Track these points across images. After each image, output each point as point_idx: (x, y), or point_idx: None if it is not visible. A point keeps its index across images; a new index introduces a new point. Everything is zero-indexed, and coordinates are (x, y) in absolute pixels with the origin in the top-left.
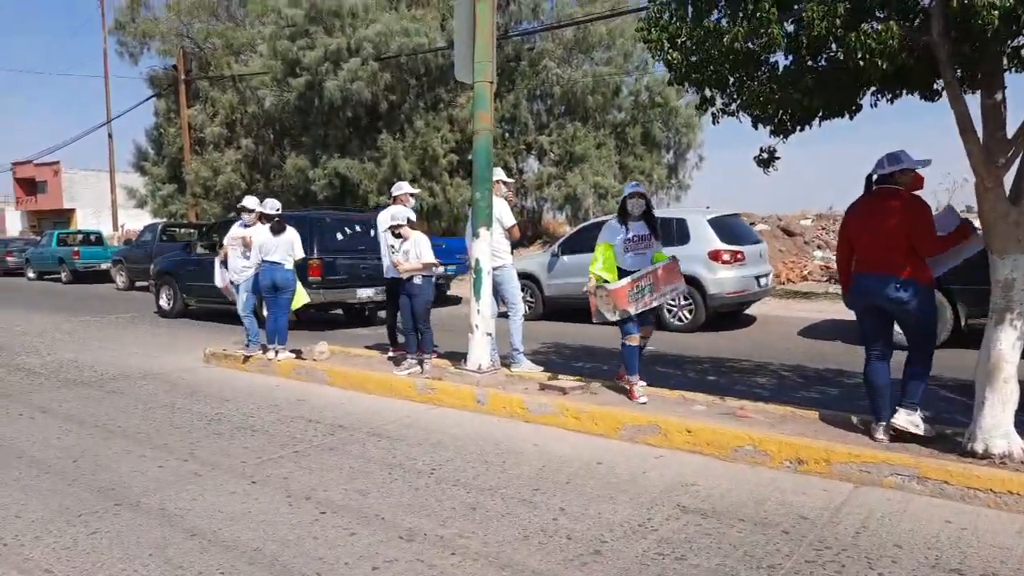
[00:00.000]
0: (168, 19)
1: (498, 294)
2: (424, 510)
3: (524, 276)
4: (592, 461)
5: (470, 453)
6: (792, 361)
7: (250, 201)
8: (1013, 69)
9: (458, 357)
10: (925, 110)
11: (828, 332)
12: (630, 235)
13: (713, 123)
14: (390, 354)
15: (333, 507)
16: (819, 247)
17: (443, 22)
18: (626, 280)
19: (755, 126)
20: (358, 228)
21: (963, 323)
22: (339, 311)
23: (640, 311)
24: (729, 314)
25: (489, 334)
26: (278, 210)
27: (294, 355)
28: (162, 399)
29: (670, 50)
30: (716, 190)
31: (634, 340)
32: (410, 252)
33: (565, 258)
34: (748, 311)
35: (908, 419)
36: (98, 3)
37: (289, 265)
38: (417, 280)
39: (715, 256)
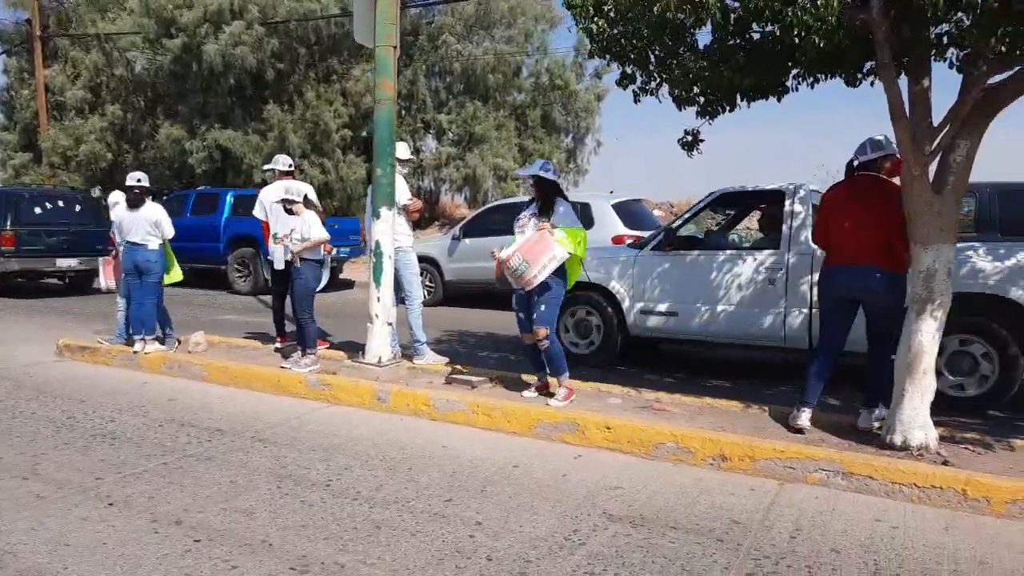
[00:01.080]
0: None
1: (396, 279)
2: (320, 532)
3: (424, 260)
4: (507, 464)
5: (371, 459)
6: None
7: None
8: (938, 57)
9: (354, 349)
10: (838, 97)
11: None
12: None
13: (635, 102)
14: (277, 345)
15: (210, 532)
16: None
17: None
18: (510, 250)
19: (678, 106)
20: (60, 204)
21: None
22: (56, 280)
23: (518, 288)
24: None
25: (390, 324)
26: (139, 181)
27: (163, 347)
28: (2, 401)
29: (595, 17)
30: (622, 176)
31: (524, 339)
32: (295, 231)
33: (467, 241)
34: None
35: (871, 419)
36: None
37: (153, 245)
38: (297, 263)
39: (618, 241)
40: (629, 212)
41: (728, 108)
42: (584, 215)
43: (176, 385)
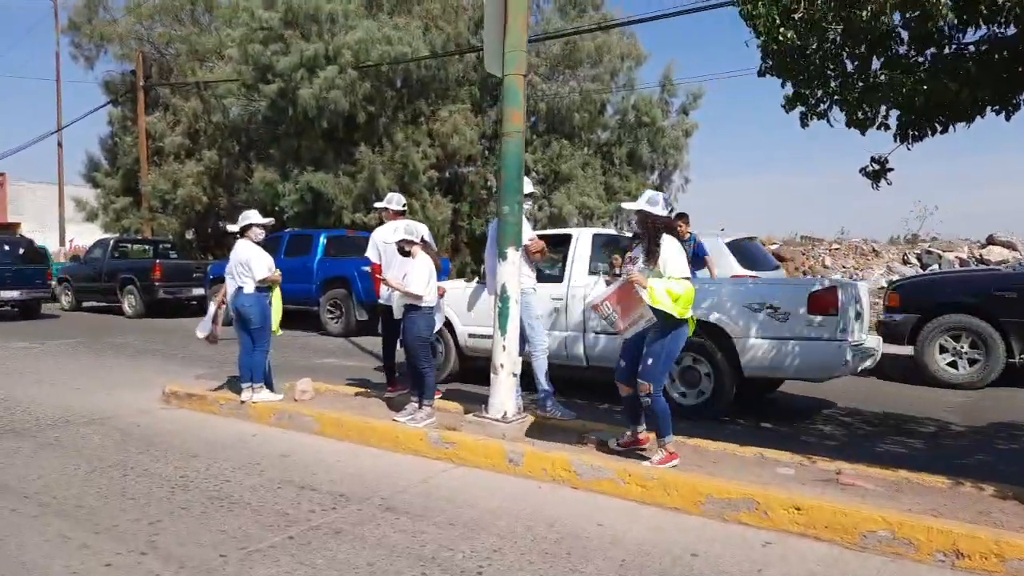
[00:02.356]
0: (127, 21)
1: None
2: None
3: None
4: (684, 552)
5: (520, 539)
6: (841, 400)
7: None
8: None
9: (472, 400)
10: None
11: None
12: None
13: (802, 126)
14: (387, 394)
15: None
16: (805, 272)
17: (425, 31)
18: (599, 295)
19: (861, 130)
20: (6, 247)
21: (1017, 358)
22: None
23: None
24: None
25: (515, 375)
26: (243, 221)
27: (274, 396)
28: (112, 455)
29: (781, 27)
30: (705, 214)
31: (620, 389)
32: (400, 275)
33: None
34: None
35: None
36: (51, 1)
37: (248, 288)
38: (409, 311)
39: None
40: (744, 251)
41: (940, 129)
42: (695, 253)
43: (287, 439)
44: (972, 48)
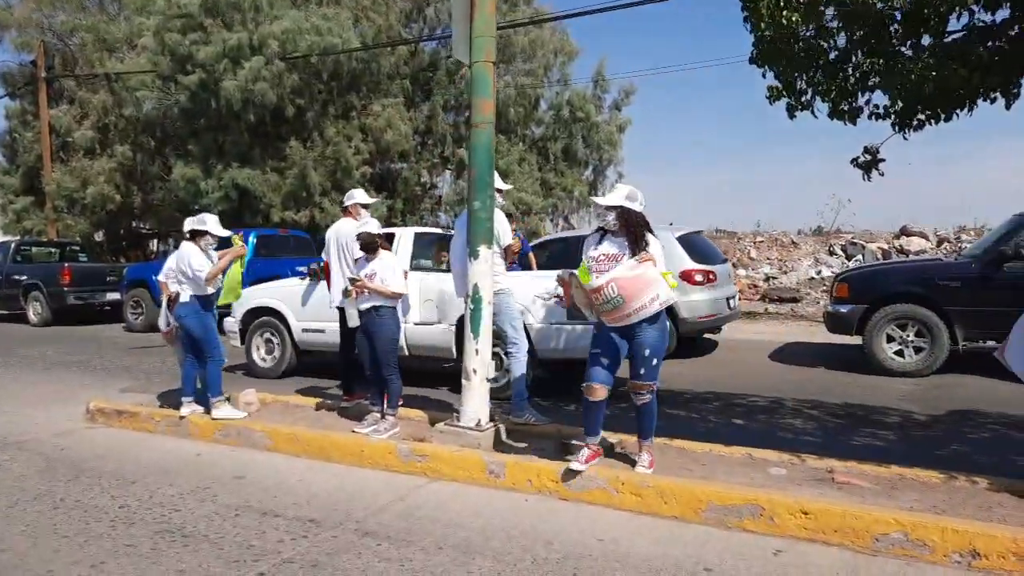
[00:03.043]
0: (25, 8)
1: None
2: None
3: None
4: (697, 567)
5: (520, 562)
6: (799, 394)
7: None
8: None
9: (437, 408)
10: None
11: (802, 356)
12: (597, 252)
13: (790, 117)
14: (343, 404)
15: None
16: (734, 264)
17: (356, 23)
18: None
19: (845, 119)
20: None
21: (960, 346)
22: None
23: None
24: (688, 340)
25: (488, 379)
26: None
27: (237, 412)
28: (36, 485)
29: (784, 10)
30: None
31: (594, 393)
32: (376, 275)
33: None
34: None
35: None
36: None
37: (184, 296)
38: (379, 312)
39: (687, 277)
40: (694, 245)
41: (944, 117)
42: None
43: (237, 458)
44: (982, 33)
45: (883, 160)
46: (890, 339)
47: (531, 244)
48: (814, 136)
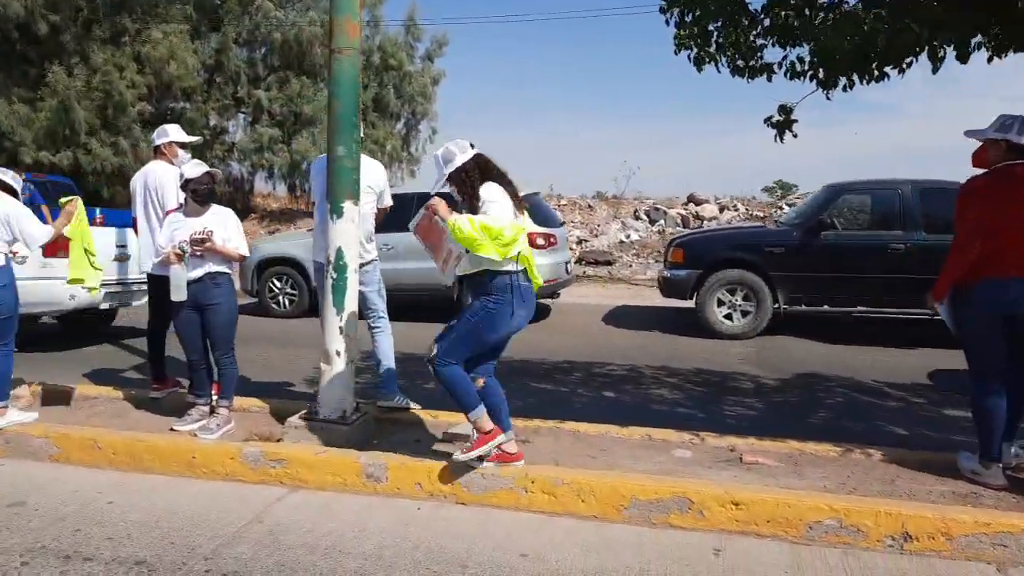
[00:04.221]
0: None
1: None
2: None
3: (284, 261)
4: None
5: None
6: (650, 360)
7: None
8: None
9: (277, 395)
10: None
11: (635, 321)
12: None
13: (698, 70)
14: (153, 395)
15: None
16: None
17: None
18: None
19: (767, 76)
20: None
21: (780, 307)
22: None
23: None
24: None
25: (352, 362)
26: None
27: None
28: None
29: None
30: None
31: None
32: (215, 233)
33: None
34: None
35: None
36: None
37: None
38: (217, 280)
39: (529, 241)
40: (533, 207)
41: (874, 78)
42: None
43: (10, 476)
44: None
45: (796, 121)
46: (720, 303)
47: None
48: (600, 104)
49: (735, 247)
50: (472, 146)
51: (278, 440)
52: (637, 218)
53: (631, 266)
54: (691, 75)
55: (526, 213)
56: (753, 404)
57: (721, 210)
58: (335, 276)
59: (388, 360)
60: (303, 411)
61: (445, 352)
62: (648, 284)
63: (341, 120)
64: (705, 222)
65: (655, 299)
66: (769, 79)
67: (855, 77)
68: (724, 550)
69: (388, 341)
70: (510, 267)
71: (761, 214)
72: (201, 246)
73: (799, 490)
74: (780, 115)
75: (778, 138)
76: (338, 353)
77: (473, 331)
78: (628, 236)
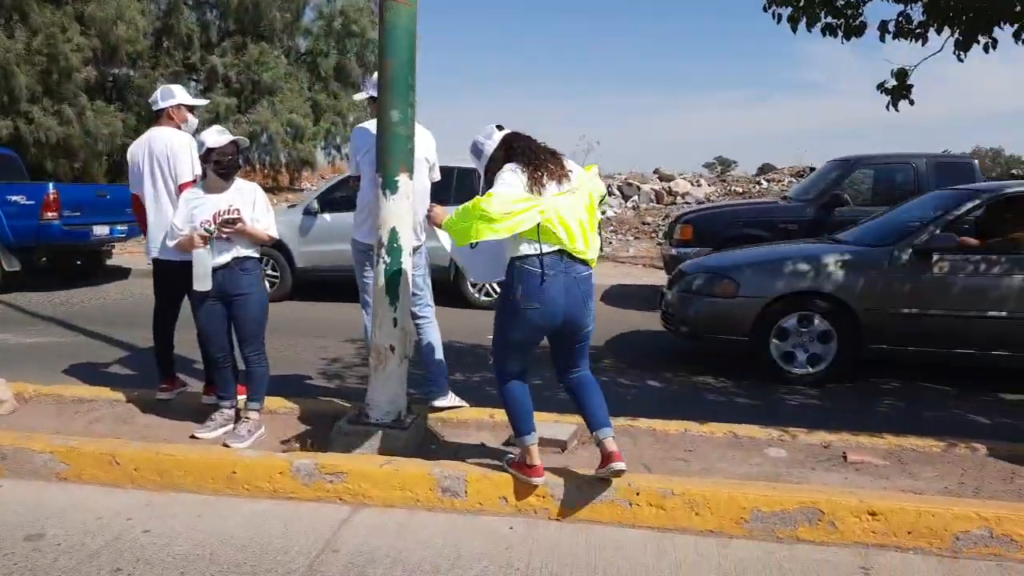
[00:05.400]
0: None
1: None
2: None
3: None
4: None
5: None
6: (673, 343)
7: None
8: None
9: (305, 393)
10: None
11: (638, 300)
12: None
13: (793, 31)
14: (162, 396)
15: None
16: None
17: None
18: None
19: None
20: None
21: None
22: None
23: None
24: None
25: (407, 357)
26: None
27: None
28: None
29: None
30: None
31: None
32: (242, 211)
33: (327, 217)
34: None
35: None
36: None
37: None
38: (245, 266)
39: None
40: None
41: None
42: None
43: (16, 500)
44: None
45: (912, 86)
46: None
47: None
48: (562, 77)
49: (747, 224)
50: (500, 128)
51: (311, 449)
52: (610, 194)
53: (611, 243)
54: (619, 50)
55: (573, 179)
56: (805, 391)
57: (694, 185)
58: (388, 260)
59: (437, 354)
60: (350, 413)
61: (495, 364)
62: (633, 262)
63: (395, 81)
64: (679, 197)
65: (645, 278)
66: (860, 35)
67: (1005, 26)
68: (872, 568)
69: (436, 333)
70: (525, 249)
71: (740, 190)
72: (231, 227)
73: (930, 495)
74: (896, 80)
75: (891, 106)
76: (392, 348)
77: (497, 335)
78: (604, 212)
